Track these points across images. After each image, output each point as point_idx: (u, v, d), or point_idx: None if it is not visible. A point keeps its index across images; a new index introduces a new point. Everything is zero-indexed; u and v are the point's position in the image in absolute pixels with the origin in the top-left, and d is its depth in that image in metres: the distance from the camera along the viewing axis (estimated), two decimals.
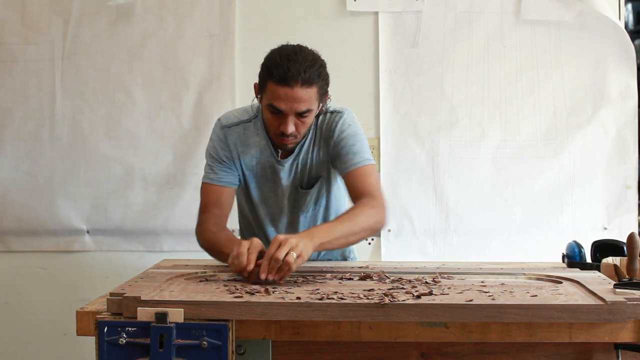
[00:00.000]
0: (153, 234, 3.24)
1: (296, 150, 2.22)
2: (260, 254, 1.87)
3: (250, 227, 2.37)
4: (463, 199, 3.20)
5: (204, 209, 2.22)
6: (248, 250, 1.85)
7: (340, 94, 3.18)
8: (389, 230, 3.21)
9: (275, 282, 1.81)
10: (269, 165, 2.24)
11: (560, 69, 3.18)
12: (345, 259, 2.46)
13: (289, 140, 2.12)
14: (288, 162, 2.23)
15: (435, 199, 3.20)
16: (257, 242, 1.89)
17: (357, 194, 2.14)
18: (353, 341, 1.62)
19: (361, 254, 3.19)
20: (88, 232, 3.27)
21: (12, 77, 3.26)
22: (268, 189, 2.28)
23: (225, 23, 3.20)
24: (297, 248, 1.81)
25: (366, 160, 2.18)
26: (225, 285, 1.79)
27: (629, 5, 3.81)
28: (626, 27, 3.34)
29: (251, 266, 1.83)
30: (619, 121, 3.18)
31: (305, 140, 2.22)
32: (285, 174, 2.24)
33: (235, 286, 1.78)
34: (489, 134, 3.19)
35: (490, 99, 3.18)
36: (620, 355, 1.63)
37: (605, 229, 3.18)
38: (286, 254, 1.80)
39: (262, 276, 1.80)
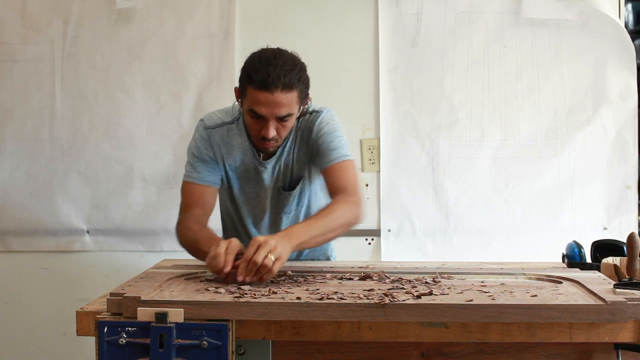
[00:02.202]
0: (153, 234, 3.24)
1: (278, 152, 2.23)
2: (240, 254, 1.86)
3: (234, 227, 2.38)
4: (463, 199, 3.20)
5: (185, 208, 2.23)
6: (226, 251, 1.84)
7: (341, 94, 3.21)
8: (389, 230, 3.21)
9: (252, 284, 1.79)
10: (252, 167, 2.25)
11: (560, 69, 3.18)
12: (327, 258, 2.46)
13: (270, 144, 2.13)
14: (270, 164, 2.24)
15: (435, 199, 3.20)
16: (235, 243, 1.88)
17: (333, 190, 2.14)
18: (353, 341, 1.62)
19: (361, 254, 3.20)
20: (88, 232, 3.27)
21: (12, 77, 3.26)
22: (251, 190, 2.28)
23: (225, 23, 3.20)
24: (275, 251, 1.80)
25: (344, 156, 2.18)
26: (207, 290, 1.77)
27: (629, 5, 3.81)
28: (626, 27, 3.34)
29: (228, 268, 1.82)
30: (619, 121, 3.18)
31: (287, 142, 2.22)
32: (268, 176, 2.25)
33: (216, 286, 1.78)
34: (489, 134, 3.19)
35: (490, 99, 3.18)
36: (620, 355, 1.63)
37: (605, 229, 3.18)
38: (265, 257, 1.78)
39: (240, 278, 1.78)
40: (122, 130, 3.24)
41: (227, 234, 2.42)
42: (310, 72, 3.21)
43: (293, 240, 1.89)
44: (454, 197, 3.20)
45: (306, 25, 3.20)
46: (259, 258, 1.77)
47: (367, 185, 3.22)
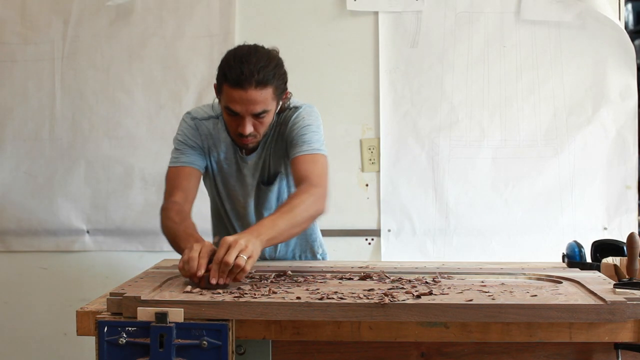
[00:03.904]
0: (153, 234, 3.23)
1: (259, 147, 2.24)
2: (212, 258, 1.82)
3: (221, 220, 2.38)
4: (463, 199, 3.20)
5: (169, 192, 2.20)
6: (199, 254, 1.80)
7: (341, 94, 3.21)
8: (389, 230, 3.21)
9: (226, 286, 1.76)
10: (234, 162, 2.26)
11: (560, 69, 3.18)
12: (314, 255, 2.45)
13: (248, 140, 2.14)
14: (252, 159, 2.25)
15: (435, 199, 3.20)
16: (208, 246, 1.84)
17: (298, 179, 2.13)
18: (353, 341, 1.62)
19: (361, 254, 3.20)
20: (88, 232, 3.27)
21: (12, 77, 3.26)
22: (234, 185, 2.29)
23: (225, 23, 3.20)
24: (247, 250, 1.77)
25: (314, 150, 2.16)
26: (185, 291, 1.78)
27: (629, 5, 3.81)
28: (626, 27, 3.34)
29: (201, 271, 1.77)
30: (619, 121, 3.18)
31: (268, 138, 2.23)
32: (249, 171, 2.26)
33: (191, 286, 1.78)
34: (489, 134, 3.19)
35: (490, 99, 3.19)
36: (620, 355, 1.63)
37: (605, 229, 3.18)
38: (236, 257, 1.75)
39: (213, 281, 1.75)
40: (122, 130, 3.24)
41: (216, 228, 2.43)
42: (310, 72, 3.23)
43: (262, 237, 1.86)
44: (454, 197, 3.20)
45: (306, 25, 3.20)
46: (230, 258, 1.74)
47: (367, 185, 3.22)
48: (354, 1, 3.16)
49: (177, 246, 2.06)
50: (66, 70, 3.25)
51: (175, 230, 2.08)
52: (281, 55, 2.16)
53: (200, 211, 2.41)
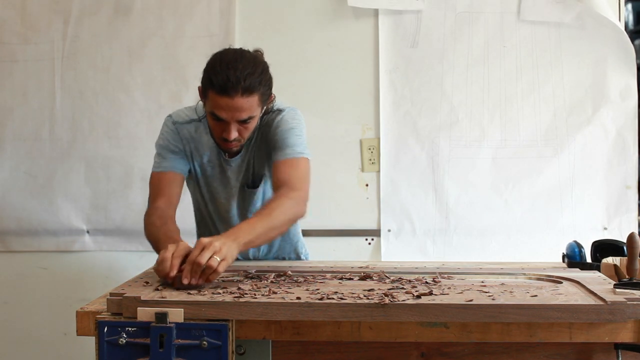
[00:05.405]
0: None
1: (242, 150, 2.24)
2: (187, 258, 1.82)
3: (205, 222, 2.39)
4: (463, 199, 3.20)
5: (152, 199, 2.22)
6: (172, 255, 1.80)
7: (341, 94, 3.21)
8: (389, 230, 3.21)
9: (199, 286, 1.77)
10: (217, 165, 2.26)
11: (560, 69, 3.18)
12: (298, 256, 2.46)
13: (232, 144, 2.14)
14: (235, 162, 2.25)
15: (435, 199, 3.20)
16: (182, 246, 1.84)
17: (277, 184, 2.12)
18: (353, 341, 1.62)
19: (361, 254, 3.21)
20: (88, 232, 3.27)
21: (12, 77, 3.26)
22: (217, 188, 2.29)
23: (225, 23, 3.20)
24: (220, 252, 1.77)
25: (298, 153, 2.16)
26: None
27: (629, 5, 3.81)
28: (626, 27, 3.34)
29: (174, 272, 1.78)
30: (619, 121, 3.18)
31: (251, 141, 2.23)
32: (234, 174, 2.26)
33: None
34: (489, 134, 3.19)
35: (490, 99, 3.18)
36: (620, 355, 1.64)
37: (605, 229, 3.18)
38: (209, 258, 1.76)
39: (185, 281, 1.75)
40: (122, 130, 3.24)
41: (199, 230, 2.44)
42: (310, 72, 3.23)
43: (240, 240, 1.86)
44: (454, 197, 3.20)
45: (306, 25, 3.20)
46: (203, 259, 1.75)
47: (367, 185, 3.22)
48: None
49: (157, 250, 2.07)
50: (66, 70, 3.25)
51: (157, 235, 2.08)
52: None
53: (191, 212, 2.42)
